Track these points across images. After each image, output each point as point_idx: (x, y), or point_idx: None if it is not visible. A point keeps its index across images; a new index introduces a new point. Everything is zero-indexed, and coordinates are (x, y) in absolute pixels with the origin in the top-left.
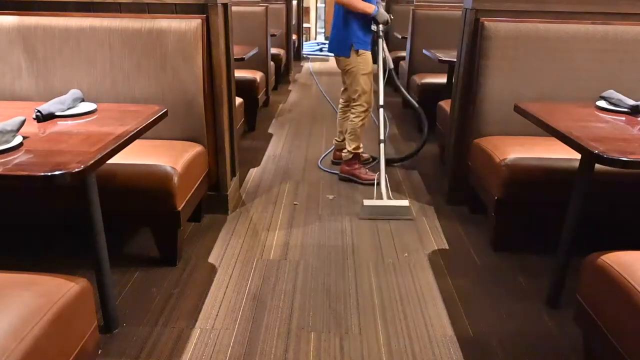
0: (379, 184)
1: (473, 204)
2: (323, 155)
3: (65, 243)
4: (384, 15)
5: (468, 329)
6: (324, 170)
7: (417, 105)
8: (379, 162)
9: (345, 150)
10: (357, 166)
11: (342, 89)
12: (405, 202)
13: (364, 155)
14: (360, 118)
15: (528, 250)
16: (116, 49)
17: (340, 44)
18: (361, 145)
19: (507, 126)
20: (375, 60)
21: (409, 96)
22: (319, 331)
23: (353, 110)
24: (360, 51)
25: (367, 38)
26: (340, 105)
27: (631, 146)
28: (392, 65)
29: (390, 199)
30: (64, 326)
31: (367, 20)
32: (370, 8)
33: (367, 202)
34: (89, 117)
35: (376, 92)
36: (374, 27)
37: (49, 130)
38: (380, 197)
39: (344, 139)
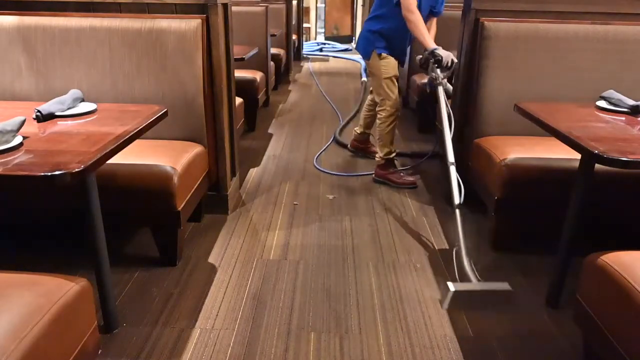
0: (457, 257)
1: (473, 204)
2: (318, 153)
3: (65, 243)
4: (448, 56)
5: (468, 329)
6: (319, 169)
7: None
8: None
9: (377, 156)
10: (391, 170)
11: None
12: (504, 285)
13: (372, 148)
14: (387, 123)
15: (528, 250)
16: (116, 49)
17: (363, 45)
18: (393, 150)
19: (507, 126)
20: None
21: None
22: (319, 331)
23: (379, 116)
24: (383, 55)
25: (393, 44)
26: (367, 102)
27: (631, 146)
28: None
29: (479, 280)
30: (64, 326)
31: (397, 27)
32: (431, 43)
33: (455, 287)
34: (89, 117)
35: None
36: (433, 74)
37: (49, 130)
38: (466, 278)
39: (362, 132)
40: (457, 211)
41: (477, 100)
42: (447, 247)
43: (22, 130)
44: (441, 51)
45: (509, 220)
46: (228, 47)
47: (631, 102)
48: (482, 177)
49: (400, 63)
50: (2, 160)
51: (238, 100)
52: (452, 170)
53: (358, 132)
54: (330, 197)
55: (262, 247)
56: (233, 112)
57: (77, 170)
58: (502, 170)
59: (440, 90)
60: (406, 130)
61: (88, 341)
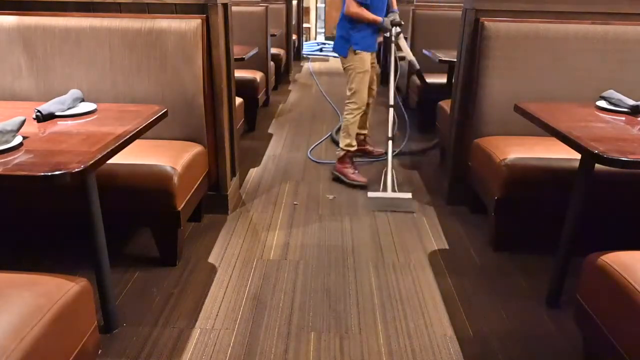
0: (371, 186)
1: (473, 204)
2: (313, 146)
3: (65, 243)
4: (387, 26)
5: (468, 329)
6: (312, 160)
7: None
8: (386, 156)
9: (337, 149)
10: (347, 165)
11: None
12: (407, 195)
13: (377, 150)
14: (353, 115)
15: (528, 250)
16: (116, 49)
17: (340, 45)
18: (354, 144)
19: (507, 126)
20: (387, 63)
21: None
22: (319, 331)
23: (346, 108)
24: (358, 51)
25: (366, 40)
26: None
27: (631, 146)
28: (417, 66)
29: (395, 191)
30: (64, 326)
31: (363, 23)
32: (378, 18)
33: (371, 194)
34: (89, 117)
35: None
36: (387, 34)
37: (49, 130)
38: (385, 189)
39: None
40: (390, 141)
41: (477, 100)
42: (448, 247)
43: (22, 130)
44: (385, 20)
45: (509, 220)
46: (228, 47)
47: (631, 102)
48: (482, 177)
49: (373, 50)
50: (2, 160)
51: (238, 100)
52: (391, 110)
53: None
54: (330, 197)
55: (262, 247)
56: (233, 112)
57: (77, 170)
58: (502, 170)
59: (392, 46)
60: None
61: (88, 341)
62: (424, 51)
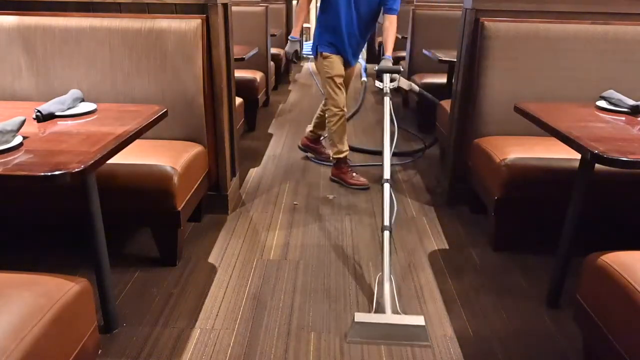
0: (379, 289)
1: (473, 204)
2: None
3: (65, 243)
4: (288, 49)
5: (468, 329)
6: (310, 160)
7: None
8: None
9: (331, 157)
10: (344, 169)
11: None
12: (419, 320)
13: (327, 152)
14: (332, 123)
15: (528, 250)
16: (116, 49)
17: (312, 45)
18: (344, 150)
19: (507, 126)
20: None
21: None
22: (319, 331)
23: (326, 115)
24: (325, 54)
25: (335, 42)
26: (322, 103)
27: (631, 146)
28: (416, 89)
29: (397, 313)
30: (64, 326)
31: (331, 23)
32: (296, 31)
33: (359, 318)
34: (89, 117)
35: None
36: (379, 84)
37: (49, 130)
38: (381, 309)
39: (312, 132)
40: (386, 233)
41: (477, 100)
42: (448, 247)
43: (22, 130)
44: (290, 43)
45: (509, 220)
46: (228, 47)
47: (631, 102)
48: (482, 177)
49: (347, 62)
50: (2, 160)
51: (238, 100)
52: (386, 187)
53: (308, 130)
54: (330, 197)
55: (262, 247)
56: (233, 112)
57: (77, 170)
58: (502, 170)
59: (387, 100)
60: (406, 130)
61: (88, 341)
62: (424, 51)
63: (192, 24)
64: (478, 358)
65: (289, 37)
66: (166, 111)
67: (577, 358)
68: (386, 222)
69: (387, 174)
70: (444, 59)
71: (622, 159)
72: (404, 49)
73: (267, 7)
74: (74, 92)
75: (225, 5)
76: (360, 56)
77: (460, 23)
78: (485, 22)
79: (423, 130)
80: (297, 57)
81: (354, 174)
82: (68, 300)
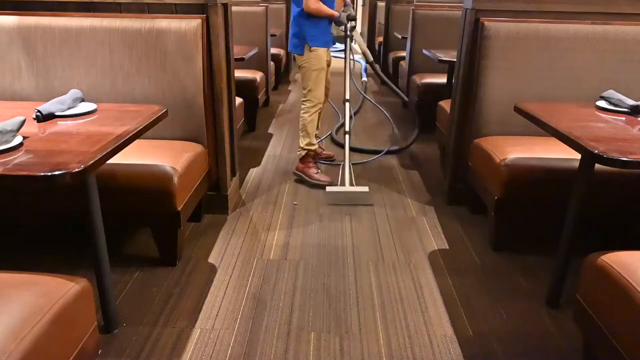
0: (330, 184)
1: (473, 204)
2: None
3: (65, 243)
4: (343, 20)
5: (468, 329)
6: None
7: (405, 97)
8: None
9: (298, 148)
10: (309, 164)
11: None
12: (365, 189)
13: (325, 152)
14: (310, 114)
15: (528, 250)
16: (116, 49)
17: (295, 42)
18: (314, 142)
19: (507, 126)
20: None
21: (397, 90)
22: (319, 331)
23: (302, 106)
24: (313, 48)
25: (322, 36)
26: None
27: (631, 146)
28: (371, 58)
29: (353, 185)
30: (64, 326)
31: (320, 18)
32: (335, 12)
33: (329, 189)
34: (89, 117)
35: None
36: (341, 28)
37: (49, 130)
38: (343, 183)
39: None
40: (347, 136)
41: (477, 100)
42: (448, 247)
43: (22, 130)
44: (342, 14)
45: (509, 220)
46: (228, 47)
47: (631, 102)
48: (482, 177)
49: (330, 46)
50: (2, 160)
51: (238, 100)
52: (347, 105)
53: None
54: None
55: (262, 247)
56: (233, 112)
57: (77, 170)
58: (502, 170)
59: (348, 41)
60: (406, 131)
61: (88, 341)
62: (424, 51)
63: (192, 24)
64: (478, 358)
65: (338, 16)
66: (166, 111)
67: (577, 358)
68: (347, 128)
69: (347, 94)
70: (444, 59)
71: (622, 159)
72: (404, 49)
73: (267, 7)
74: (74, 92)
75: (225, 5)
76: (359, 57)
77: (460, 23)
78: (485, 22)
79: (423, 130)
80: (352, 17)
81: (319, 170)
82: (68, 300)
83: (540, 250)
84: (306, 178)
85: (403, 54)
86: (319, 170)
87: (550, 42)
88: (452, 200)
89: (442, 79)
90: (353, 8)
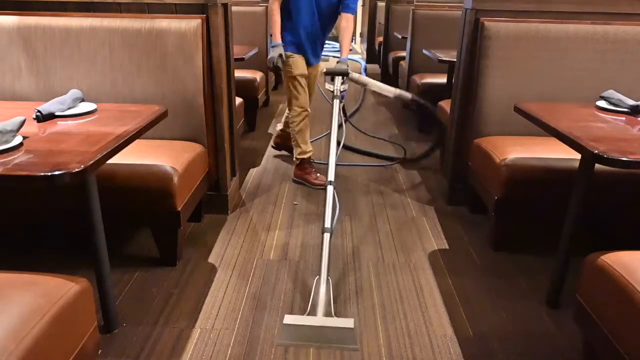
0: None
1: (473, 204)
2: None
3: (65, 243)
4: (271, 56)
5: (468, 329)
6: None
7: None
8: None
9: (294, 157)
10: (307, 170)
11: None
12: (348, 323)
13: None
14: (295, 123)
15: (528, 250)
16: (116, 49)
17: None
18: (307, 150)
19: (507, 126)
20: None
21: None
22: None
23: (289, 116)
24: (287, 53)
25: (298, 42)
26: None
27: (631, 146)
28: (408, 96)
29: (330, 315)
30: (64, 326)
31: (291, 23)
32: (275, 38)
33: (288, 320)
34: (89, 117)
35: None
36: (329, 87)
37: (49, 130)
38: (313, 312)
39: (282, 130)
40: (326, 235)
41: (477, 100)
42: (448, 247)
43: (22, 130)
44: (275, 49)
45: (509, 220)
46: (228, 47)
47: (631, 102)
48: (482, 177)
49: (308, 61)
50: (2, 160)
51: (238, 100)
52: (330, 189)
53: (279, 129)
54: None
55: (262, 247)
56: (233, 112)
57: (77, 170)
58: (502, 170)
59: (336, 103)
60: (406, 131)
61: (88, 341)
62: (424, 51)
63: (192, 24)
64: (478, 358)
65: (271, 45)
66: (166, 111)
67: (577, 358)
68: (327, 225)
69: (331, 176)
70: (444, 59)
71: (622, 159)
72: (404, 49)
73: (267, 7)
74: (74, 92)
75: (225, 5)
76: (359, 57)
77: (460, 23)
78: (485, 22)
79: (423, 130)
80: (283, 62)
81: (318, 174)
82: (68, 300)
83: (540, 250)
84: (307, 184)
85: (403, 54)
86: (318, 174)
87: (550, 42)
88: (452, 200)
89: (442, 79)
90: (311, 10)
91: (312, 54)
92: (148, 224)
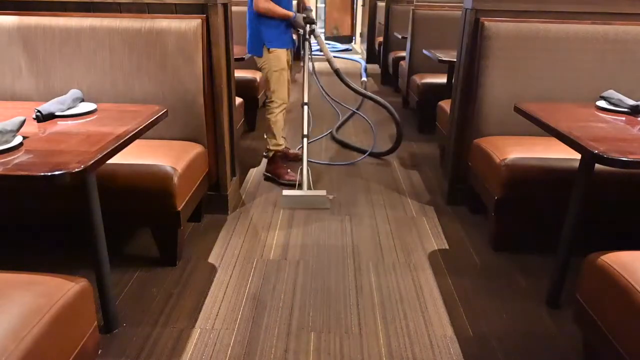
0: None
1: (473, 204)
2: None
3: (65, 243)
4: (299, 21)
5: (468, 329)
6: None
7: (384, 103)
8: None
9: (265, 150)
10: (279, 165)
11: None
12: (322, 192)
13: (292, 152)
14: (275, 114)
15: (528, 250)
16: (116, 49)
17: (253, 44)
18: (281, 142)
19: (507, 126)
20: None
21: (371, 95)
22: (319, 331)
23: (267, 107)
24: (272, 49)
25: (280, 36)
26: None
27: (631, 146)
28: (336, 66)
29: (310, 189)
30: (64, 326)
31: (275, 19)
32: (289, 13)
33: (286, 192)
34: (89, 117)
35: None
36: (300, 31)
37: (49, 130)
38: (300, 187)
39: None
40: (305, 139)
41: (477, 100)
42: (448, 247)
43: (22, 130)
44: (297, 15)
45: (509, 220)
46: (228, 47)
47: (631, 102)
48: (482, 177)
49: (292, 50)
50: (2, 160)
51: (238, 100)
52: (305, 108)
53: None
54: (330, 197)
55: (262, 247)
56: (233, 112)
57: (77, 170)
58: (502, 170)
59: (306, 44)
60: (406, 131)
61: (88, 341)
62: (424, 51)
63: (192, 24)
64: (478, 358)
65: (293, 17)
66: (166, 111)
67: (577, 358)
68: (305, 132)
69: (306, 98)
70: (444, 59)
71: (622, 159)
72: (404, 49)
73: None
74: (74, 92)
75: (225, 5)
76: (359, 57)
77: (460, 23)
78: (485, 22)
79: (423, 130)
80: (311, 21)
81: (289, 171)
82: (68, 300)
83: (540, 250)
84: (277, 179)
85: (403, 54)
86: (289, 171)
87: (550, 42)
88: (452, 200)
89: (442, 79)
90: (351, 10)
91: (290, 40)
92: (148, 224)
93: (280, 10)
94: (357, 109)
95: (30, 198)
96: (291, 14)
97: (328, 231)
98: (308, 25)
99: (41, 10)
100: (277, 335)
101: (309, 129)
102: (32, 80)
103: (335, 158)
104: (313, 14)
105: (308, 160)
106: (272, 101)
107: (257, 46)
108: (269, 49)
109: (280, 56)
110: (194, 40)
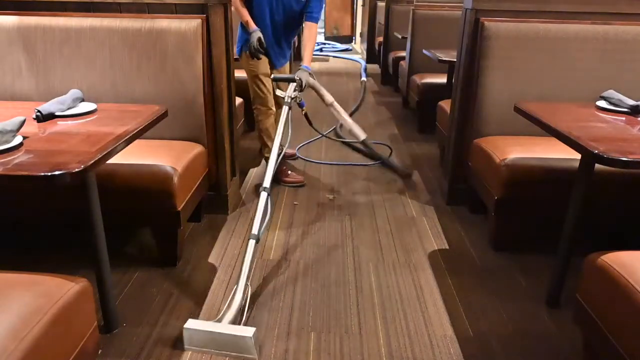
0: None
1: (473, 204)
2: (302, 144)
3: (65, 243)
4: (252, 43)
5: (468, 329)
6: (302, 158)
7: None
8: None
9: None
10: (279, 168)
11: None
12: (247, 332)
13: (288, 151)
14: (261, 122)
15: (528, 250)
16: (116, 49)
17: (238, 46)
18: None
19: (507, 126)
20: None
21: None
22: (319, 331)
23: (255, 114)
24: (242, 53)
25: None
26: None
27: (631, 146)
28: (362, 136)
29: (235, 324)
30: (64, 326)
31: (265, 29)
32: (250, 24)
33: (189, 324)
34: (89, 117)
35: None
36: (280, 93)
37: (49, 130)
38: (220, 318)
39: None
40: (252, 242)
41: (477, 100)
42: (448, 247)
43: (22, 130)
44: (253, 34)
45: (509, 220)
46: (228, 47)
47: (631, 102)
48: (482, 177)
49: (272, 63)
50: (2, 160)
51: (238, 100)
52: (263, 196)
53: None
54: (330, 197)
55: (262, 247)
56: (233, 112)
57: (77, 170)
58: (502, 170)
59: (285, 109)
60: (406, 131)
61: (88, 341)
62: (424, 51)
63: (192, 24)
64: (478, 358)
65: (249, 32)
66: (166, 111)
67: (577, 358)
68: (254, 231)
69: (267, 183)
70: (444, 59)
71: (622, 159)
72: (404, 49)
73: None
74: (74, 92)
75: (225, 5)
76: (359, 57)
77: (460, 23)
78: (485, 22)
79: (423, 130)
80: (262, 46)
81: (289, 172)
82: (68, 300)
83: (540, 250)
84: (279, 182)
85: (403, 54)
86: (290, 172)
87: (550, 42)
88: (452, 200)
89: (442, 79)
90: (351, 10)
91: (276, 55)
92: (148, 224)
93: (244, 14)
94: (356, 109)
95: (30, 198)
96: (252, 26)
97: (328, 231)
98: (293, 88)
99: (41, 10)
100: (277, 335)
101: (261, 226)
102: (32, 80)
103: (335, 158)
104: (307, 77)
105: (307, 160)
106: (255, 108)
107: (238, 47)
108: (246, 52)
109: (250, 62)
110: (194, 40)
